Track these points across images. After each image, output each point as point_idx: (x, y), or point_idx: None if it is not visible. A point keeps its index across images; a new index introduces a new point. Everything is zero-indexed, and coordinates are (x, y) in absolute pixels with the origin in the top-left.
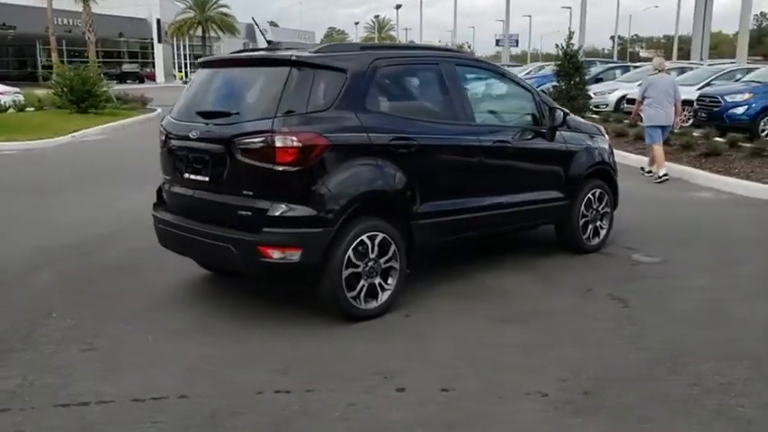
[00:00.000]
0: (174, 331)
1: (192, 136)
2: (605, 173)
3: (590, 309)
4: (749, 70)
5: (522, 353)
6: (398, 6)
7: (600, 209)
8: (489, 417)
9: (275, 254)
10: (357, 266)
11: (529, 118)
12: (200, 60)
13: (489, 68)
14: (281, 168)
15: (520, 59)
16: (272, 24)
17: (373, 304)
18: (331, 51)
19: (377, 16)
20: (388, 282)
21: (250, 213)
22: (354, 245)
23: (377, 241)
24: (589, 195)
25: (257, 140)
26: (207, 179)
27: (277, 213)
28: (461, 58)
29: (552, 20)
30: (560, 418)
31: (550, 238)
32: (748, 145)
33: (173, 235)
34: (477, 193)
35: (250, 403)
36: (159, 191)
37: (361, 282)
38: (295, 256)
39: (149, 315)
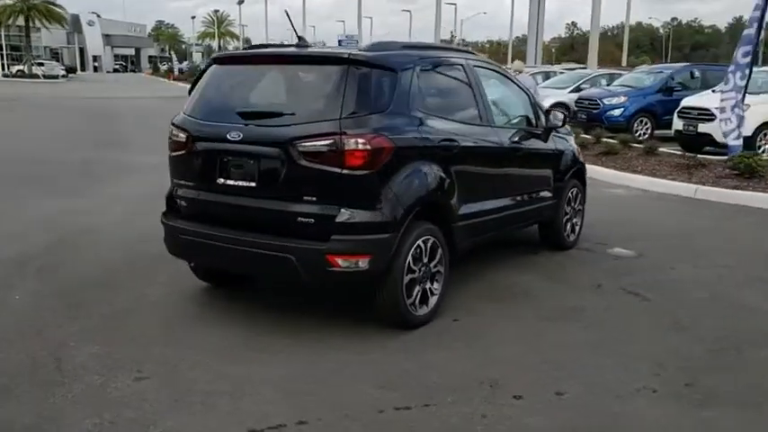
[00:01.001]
0: (219, 351)
1: (231, 138)
2: (580, 172)
3: (616, 304)
4: (611, 75)
5: (593, 351)
6: (241, 1)
7: (576, 206)
8: (622, 417)
9: (343, 262)
10: (414, 272)
11: (525, 119)
12: (221, 56)
13: (496, 70)
14: (349, 172)
15: None
16: (95, 15)
17: (425, 310)
18: (381, 50)
19: (216, 11)
20: (435, 286)
21: (313, 220)
22: (413, 250)
23: (429, 245)
24: (569, 194)
25: (324, 143)
26: (253, 185)
27: (346, 219)
28: (477, 59)
29: (390, 21)
30: (690, 411)
31: (527, 236)
32: (640, 145)
33: (202, 246)
34: (497, 193)
35: (383, 422)
36: (170, 198)
37: (417, 287)
38: (363, 263)
39: (175, 334)
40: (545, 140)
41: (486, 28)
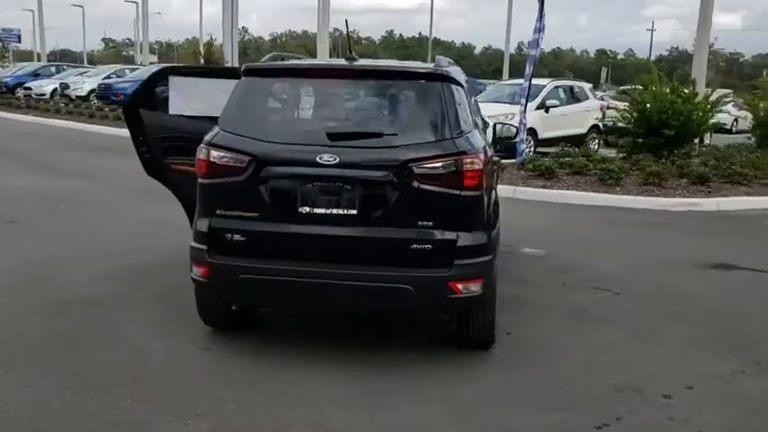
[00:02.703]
0: (323, 376)
1: (324, 162)
2: None
3: (605, 302)
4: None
5: (656, 352)
6: None
7: None
8: None
9: (463, 288)
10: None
11: None
12: (275, 68)
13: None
14: (466, 193)
15: (26, 57)
16: None
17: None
18: (447, 65)
19: None
20: None
21: (430, 246)
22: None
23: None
24: None
25: (442, 164)
26: (354, 212)
27: (465, 243)
28: None
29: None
30: None
31: None
32: None
33: (279, 284)
34: None
35: None
36: (212, 231)
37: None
38: (476, 287)
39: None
40: None
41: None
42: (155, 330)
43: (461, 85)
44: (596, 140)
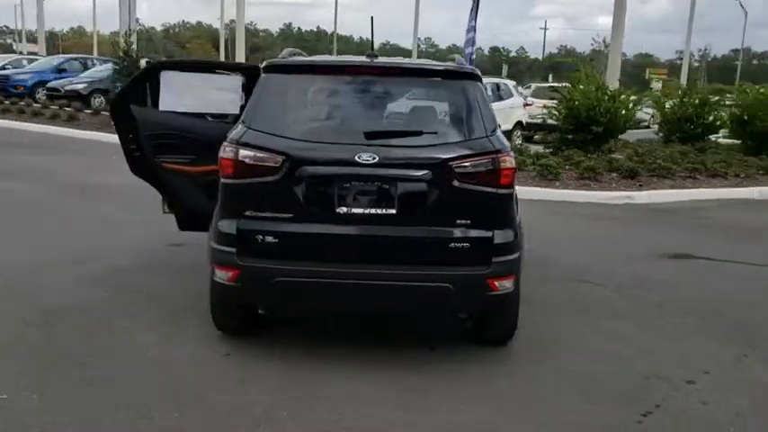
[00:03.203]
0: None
1: (363, 161)
2: None
3: (592, 294)
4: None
5: (664, 341)
6: None
7: None
8: None
9: (500, 285)
10: None
11: None
12: (302, 64)
13: None
14: (502, 191)
15: None
16: None
17: None
18: (465, 64)
19: None
20: None
21: (469, 245)
22: None
23: None
24: None
25: (482, 162)
26: (393, 212)
27: (501, 240)
28: None
29: None
30: None
31: None
32: None
33: (317, 287)
34: None
35: None
36: (241, 234)
37: None
38: (510, 284)
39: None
40: None
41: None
42: (161, 337)
43: (483, 84)
44: (519, 137)
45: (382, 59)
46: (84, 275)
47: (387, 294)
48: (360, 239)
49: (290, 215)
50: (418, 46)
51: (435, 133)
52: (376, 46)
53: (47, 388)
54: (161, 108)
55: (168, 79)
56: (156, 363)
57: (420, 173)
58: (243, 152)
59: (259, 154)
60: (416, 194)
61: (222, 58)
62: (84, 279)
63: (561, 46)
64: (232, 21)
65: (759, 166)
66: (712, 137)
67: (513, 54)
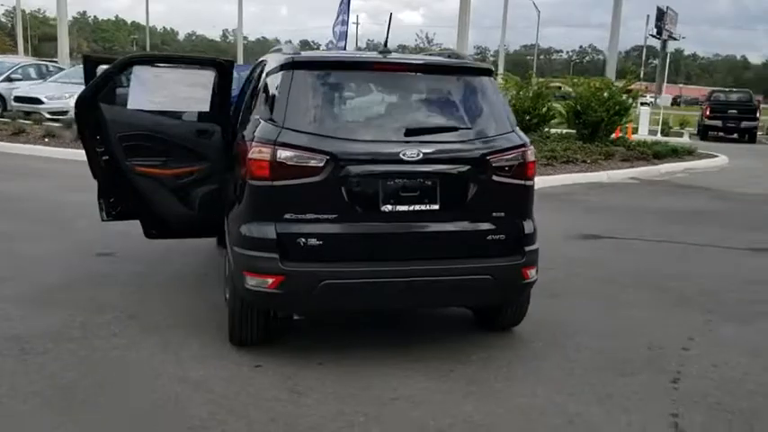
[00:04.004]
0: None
1: (408, 158)
2: None
3: (549, 277)
4: None
5: (641, 314)
6: None
7: None
8: None
9: (531, 274)
10: None
11: None
12: (342, 59)
13: None
14: (527, 183)
15: None
16: None
17: None
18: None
19: None
20: None
21: (504, 236)
22: None
23: None
24: None
25: (513, 156)
26: (435, 207)
27: (531, 231)
28: None
29: None
30: None
31: None
32: None
33: (363, 287)
34: None
35: None
36: (282, 237)
37: None
38: (535, 272)
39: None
40: None
41: None
42: (177, 356)
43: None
44: None
45: (396, 55)
46: (20, 296)
47: (432, 290)
48: (405, 236)
49: (335, 215)
50: (226, 37)
51: (470, 128)
52: (181, 36)
53: (80, 415)
54: (129, 106)
55: (141, 74)
56: (191, 385)
57: (461, 168)
58: (282, 153)
59: (302, 154)
60: (458, 189)
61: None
62: (26, 300)
63: (369, 40)
64: (14, 8)
65: (600, 152)
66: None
67: (323, 47)
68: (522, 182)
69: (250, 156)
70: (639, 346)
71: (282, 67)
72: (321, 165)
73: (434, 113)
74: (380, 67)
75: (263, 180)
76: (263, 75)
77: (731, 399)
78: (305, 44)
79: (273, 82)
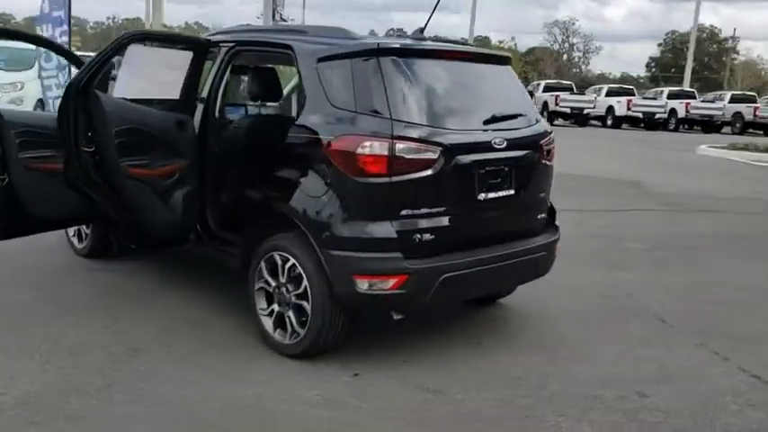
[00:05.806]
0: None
1: (497, 145)
2: None
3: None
4: None
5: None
6: None
7: None
8: None
9: (557, 249)
10: None
11: None
12: (425, 48)
13: None
14: (552, 164)
15: None
16: None
17: None
18: None
19: None
20: None
21: (545, 215)
22: None
23: None
24: None
25: (551, 140)
26: (511, 192)
27: (556, 210)
28: None
29: None
30: None
31: None
32: None
33: (484, 273)
34: None
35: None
36: (403, 235)
37: None
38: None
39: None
40: None
41: None
42: (237, 377)
43: None
44: None
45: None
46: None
47: (521, 269)
48: (497, 221)
49: (443, 208)
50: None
51: (525, 116)
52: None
53: None
54: (116, 94)
55: (135, 55)
56: (308, 403)
57: (529, 152)
58: (401, 146)
59: (420, 147)
60: (525, 173)
61: None
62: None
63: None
64: None
65: None
66: None
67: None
68: (551, 164)
69: (360, 151)
70: (646, 325)
71: (373, 53)
72: (435, 157)
73: (500, 102)
74: (455, 56)
75: (378, 176)
76: (311, 62)
77: None
78: (189, 27)
79: (346, 71)
